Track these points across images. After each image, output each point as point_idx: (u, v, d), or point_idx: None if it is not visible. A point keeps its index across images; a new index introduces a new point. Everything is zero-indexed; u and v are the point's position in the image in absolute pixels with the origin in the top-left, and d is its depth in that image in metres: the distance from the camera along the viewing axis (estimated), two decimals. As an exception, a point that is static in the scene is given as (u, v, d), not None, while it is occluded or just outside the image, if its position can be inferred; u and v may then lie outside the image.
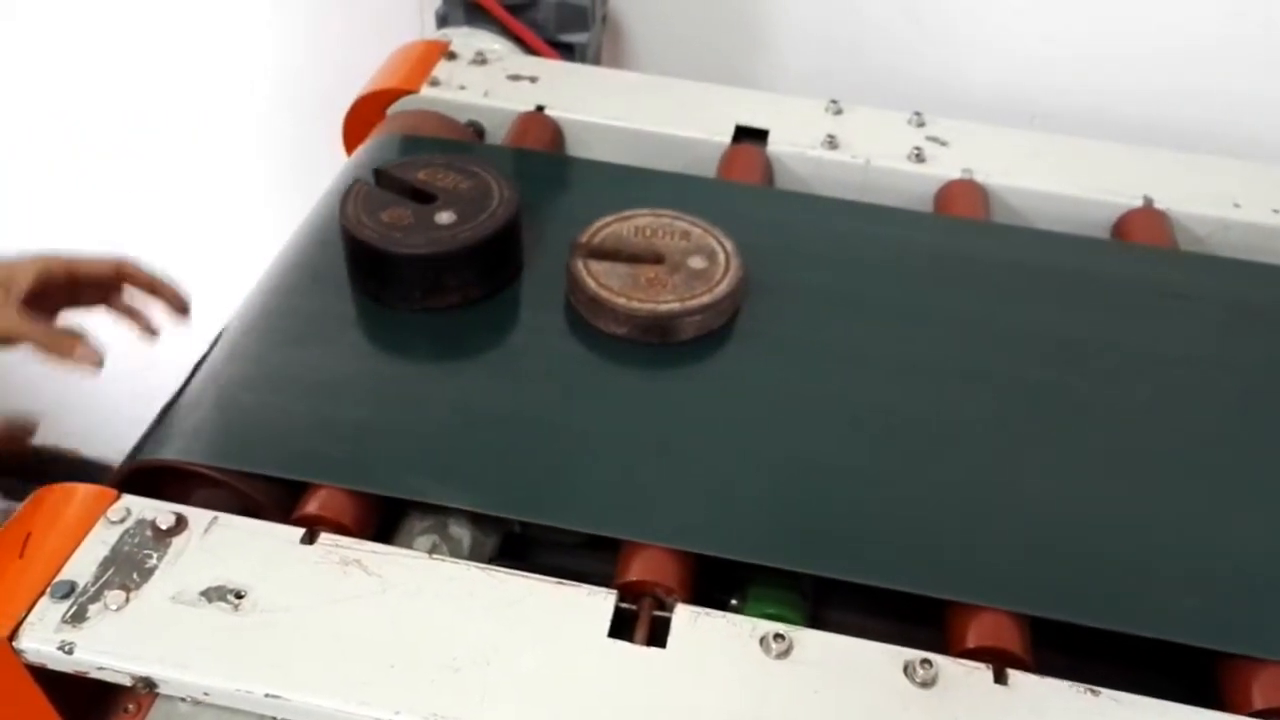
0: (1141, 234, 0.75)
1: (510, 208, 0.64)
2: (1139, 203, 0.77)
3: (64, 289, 0.67)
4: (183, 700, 0.50)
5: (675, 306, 0.62)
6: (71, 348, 0.63)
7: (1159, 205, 0.77)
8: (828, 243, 0.72)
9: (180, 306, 0.71)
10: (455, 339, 0.63)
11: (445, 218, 0.63)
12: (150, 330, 0.72)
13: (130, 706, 0.53)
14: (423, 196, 0.65)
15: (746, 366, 0.62)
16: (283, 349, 0.62)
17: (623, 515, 0.53)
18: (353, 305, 0.65)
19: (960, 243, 0.72)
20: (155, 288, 0.70)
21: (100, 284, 0.69)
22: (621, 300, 0.62)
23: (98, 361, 0.63)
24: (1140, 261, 0.72)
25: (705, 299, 0.62)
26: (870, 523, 0.54)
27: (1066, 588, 0.52)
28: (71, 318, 0.68)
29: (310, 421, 0.57)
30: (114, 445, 1.88)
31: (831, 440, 0.58)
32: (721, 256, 0.65)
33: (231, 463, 0.54)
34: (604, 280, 0.63)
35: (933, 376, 0.62)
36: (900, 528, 0.54)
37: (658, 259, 0.65)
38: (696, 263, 0.64)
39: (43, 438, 1.81)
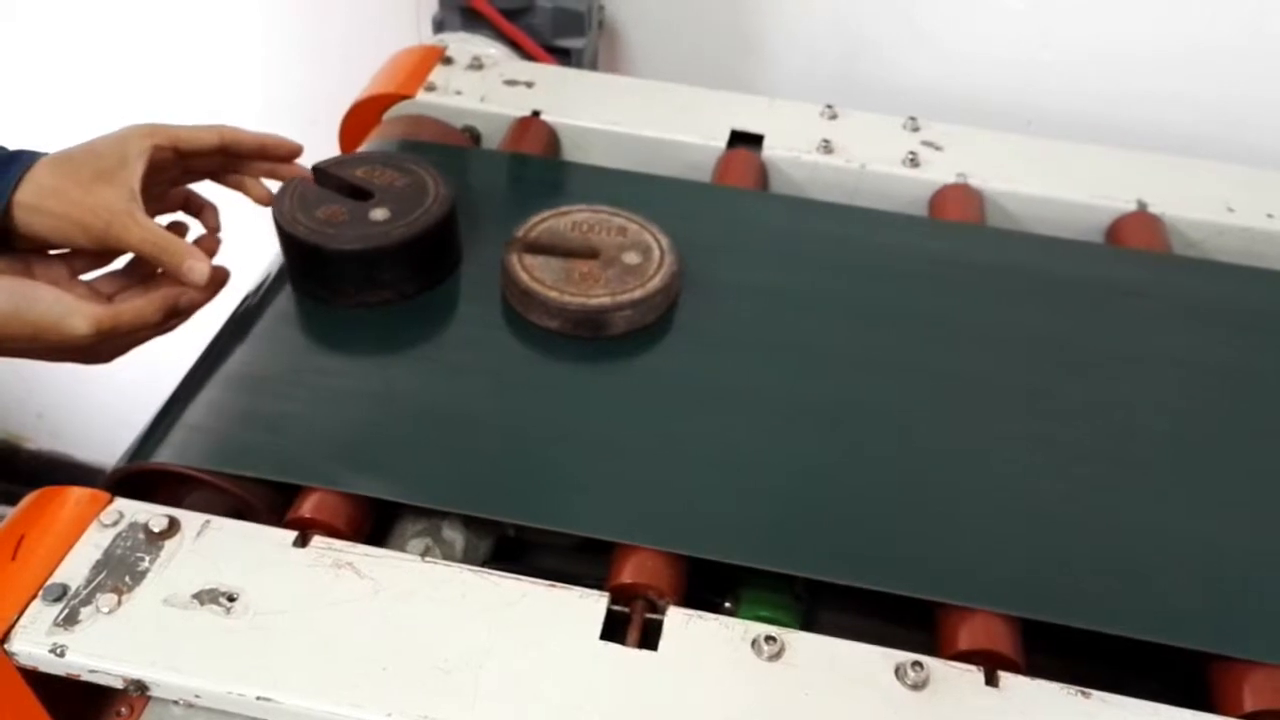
0: (1135, 238, 0.75)
1: (444, 205, 0.65)
2: (1133, 207, 0.77)
3: (171, 170, 0.64)
4: (175, 703, 0.50)
5: (606, 301, 0.62)
6: (185, 257, 0.59)
7: (1153, 210, 0.77)
8: (773, 240, 0.72)
9: (292, 153, 0.67)
10: (393, 333, 0.63)
11: (379, 214, 0.63)
12: (265, 199, 0.68)
13: (123, 710, 0.53)
14: (359, 194, 0.65)
15: (677, 361, 0.62)
16: (276, 352, 0.62)
17: (549, 507, 0.54)
18: (329, 307, 0.65)
19: (913, 240, 0.73)
20: (263, 148, 0.66)
21: (205, 157, 0.65)
22: (554, 294, 0.62)
23: (205, 276, 0.59)
24: (1134, 266, 0.72)
25: (637, 294, 0.63)
26: (860, 524, 0.54)
27: (1057, 590, 0.52)
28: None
29: (301, 424, 0.57)
30: (106, 449, 1.90)
31: (766, 436, 0.58)
32: (656, 252, 0.65)
33: (224, 466, 0.54)
34: (537, 274, 0.63)
35: (891, 374, 0.63)
36: (889, 529, 0.54)
37: (593, 254, 0.65)
38: (631, 258, 0.65)
39: (36, 441, 1.82)
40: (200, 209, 0.68)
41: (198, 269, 0.59)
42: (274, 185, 0.68)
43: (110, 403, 1.63)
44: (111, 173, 0.58)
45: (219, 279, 0.63)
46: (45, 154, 0.60)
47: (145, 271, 0.64)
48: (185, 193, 0.68)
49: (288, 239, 0.63)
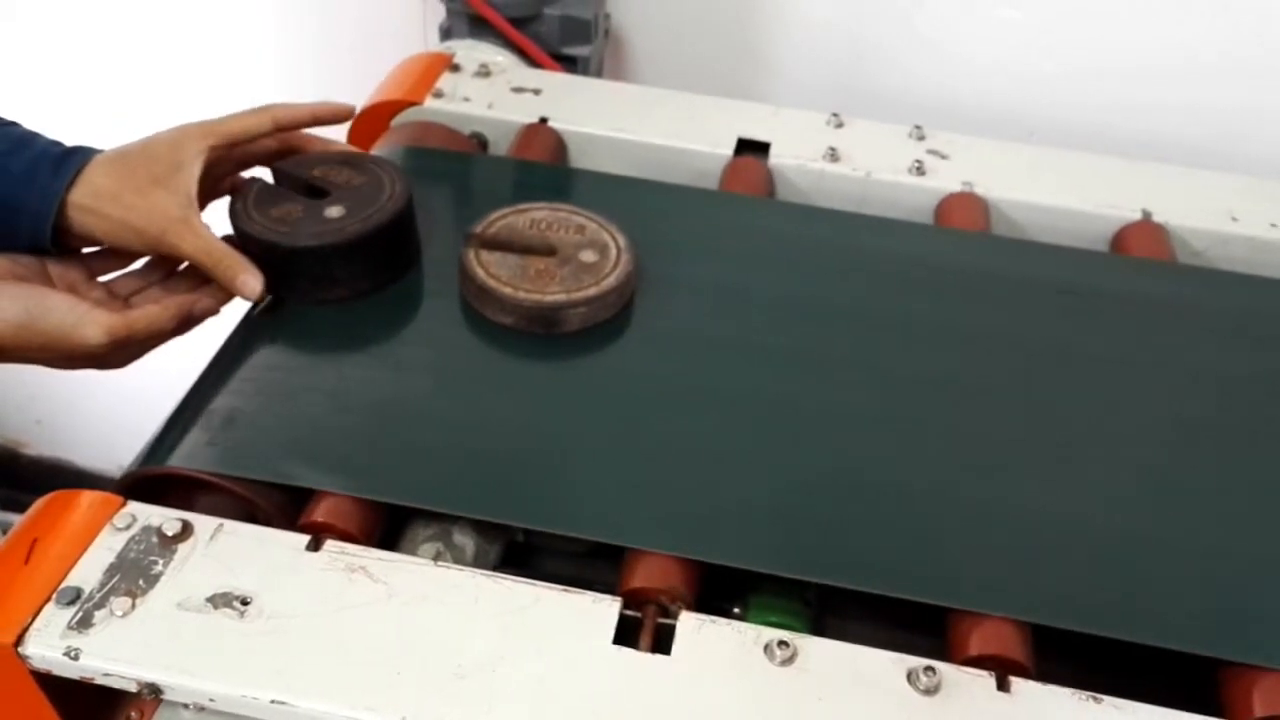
0: (1139, 247, 0.76)
1: (400, 202, 0.65)
2: (1137, 216, 0.77)
3: (227, 165, 0.64)
4: (185, 707, 0.50)
5: (561, 298, 0.62)
6: (239, 271, 0.59)
7: (1157, 219, 0.77)
8: (738, 241, 0.72)
9: (345, 115, 0.67)
10: (400, 335, 0.64)
11: (334, 211, 0.63)
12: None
13: (133, 714, 0.53)
14: (316, 192, 0.65)
15: (630, 359, 0.63)
16: (290, 357, 0.62)
17: (558, 511, 0.54)
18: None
19: (883, 241, 0.73)
20: (316, 117, 0.66)
21: (260, 151, 0.66)
22: (508, 290, 0.63)
23: (257, 291, 0.59)
24: (1138, 274, 0.73)
25: (591, 291, 0.63)
26: (869, 530, 0.54)
27: (1068, 595, 0.52)
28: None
29: (313, 428, 0.57)
30: (106, 455, 1.90)
31: (750, 438, 0.59)
32: (613, 251, 0.66)
33: (236, 470, 0.54)
34: (493, 270, 0.64)
35: (879, 378, 0.63)
36: (897, 535, 0.54)
37: (550, 252, 0.65)
38: (588, 256, 0.65)
39: (36, 447, 1.81)
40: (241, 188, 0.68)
41: (250, 284, 0.60)
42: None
43: (110, 409, 1.63)
44: (168, 177, 0.58)
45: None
46: (99, 151, 0.60)
47: (165, 272, 0.64)
48: (235, 180, 0.67)
49: (243, 237, 0.63)
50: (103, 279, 0.63)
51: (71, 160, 0.59)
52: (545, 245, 0.66)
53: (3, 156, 0.58)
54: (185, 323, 0.61)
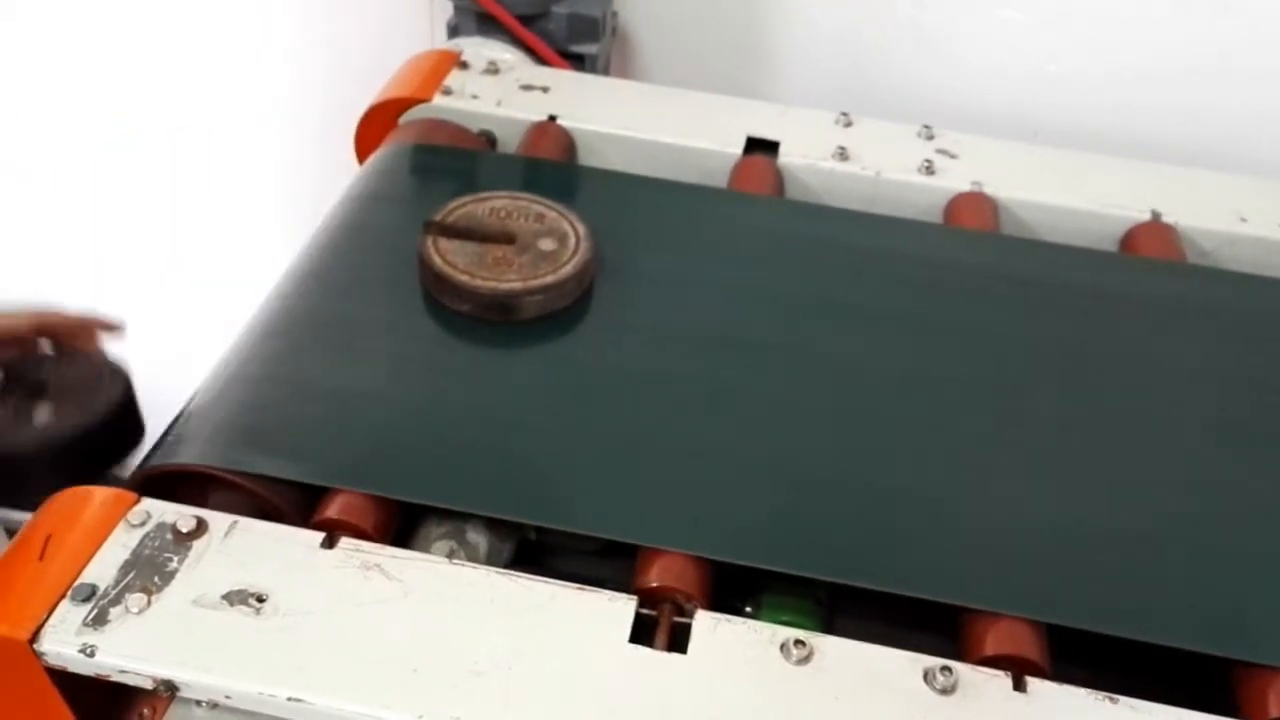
0: (1148, 247, 0.76)
1: (108, 403, 0.62)
2: (1146, 217, 0.77)
3: None
4: (198, 704, 0.50)
5: (518, 285, 0.63)
6: None
7: (1166, 219, 0.77)
8: (702, 231, 0.72)
9: (113, 329, 0.67)
10: (414, 337, 0.63)
11: (41, 415, 0.61)
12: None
13: (145, 711, 0.53)
14: (37, 388, 0.62)
15: (587, 347, 0.63)
16: (302, 354, 0.62)
17: (505, 496, 0.54)
18: (370, 310, 0.65)
19: (891, 242, 0.73)
20: (80, 331, 0.65)
21: (17, 341, 0.64)
22: (465, 278, 0.63)
23: None
24: (1147, 275, 0.73)
25: (549, 279, 0.63)
26: (881, 529, 0.54)
27: (1083, 595, 0.52)
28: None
29: (326, 425, 0.57)
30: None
31: (744, 433, 0.59)
32: (572, 240, 0.66)
33: (250, 467, 0.54)
34: (451, 258, 0.64)
35: (871, 379, 0.63)
36: (911, 534, 0.54)
37: (509, 240, 0.65)
38: (546, 244, 0.65)
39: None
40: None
41: None
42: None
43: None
44: None
45: None
46: None
47: None
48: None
49: None
50: None
51: None
52: (504, 233, 0.66)
53: None
54: None
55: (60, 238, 1.38)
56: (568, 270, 0.64)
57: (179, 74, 1.21)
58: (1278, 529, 0.56)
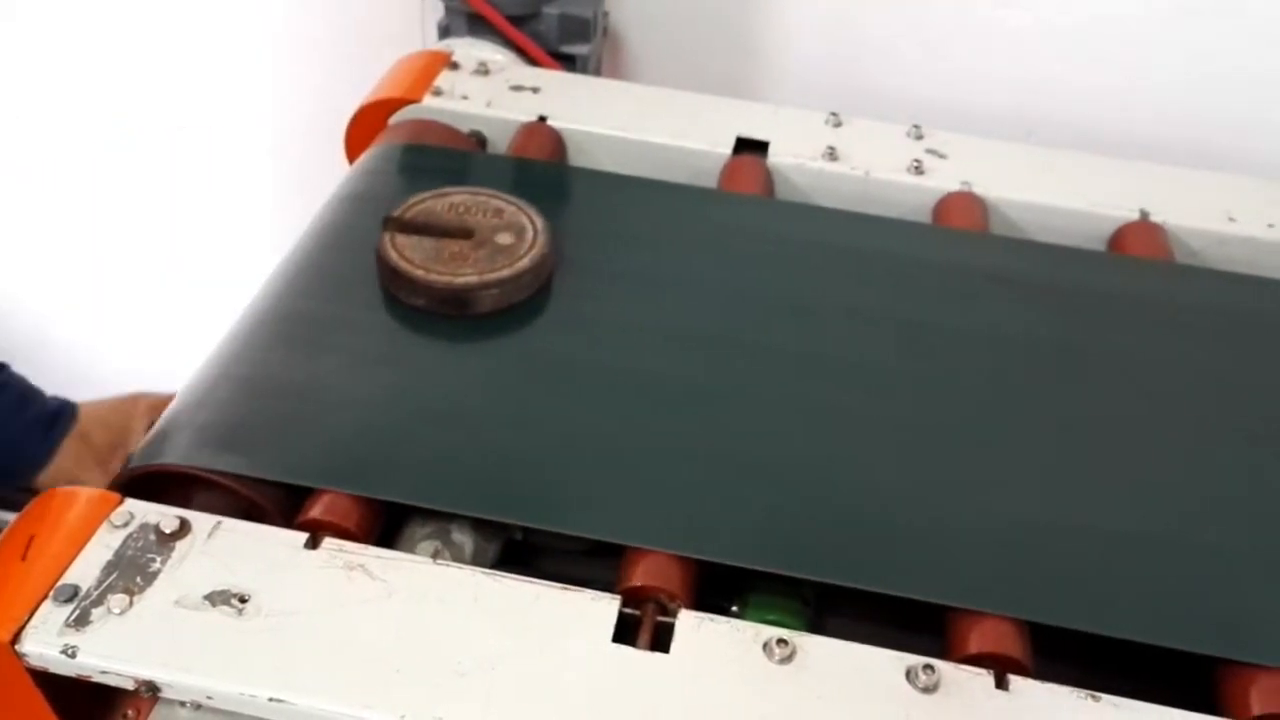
0: (1137, 247, 0.76)
1: None
2: (1135, 216, 0.77)
3: None
4: (182, 705, 0.50)
5: (473, 279, 0.63)
6: None
7: (1155, 219, 0.77)
8: (677, 230, 0.72)
9: None
10: (413, 337, 0.63)
11: None
12: None
13: (129, 712, 0.53)
14: None
15: (543, 340, 0.63)
16: (286, 354, 0.62)
17: (554, 510, 0.54)
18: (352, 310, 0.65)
19: (876, 242, 0.74)
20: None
21: None
22: (420, 273, 0.63)
23: None
24: (1136, 274, 0.73)
25: (504, 273, 0.63)
26: (865, 528, 0.54)
27: (1066, 594, 0.52)
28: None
29: (310, 426, 0.57)
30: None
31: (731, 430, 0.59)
32: (530, 234, 0.66)
33: (234, 467, 0.54)
34: (407, 254, 0.64)
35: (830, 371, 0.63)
36: (896, 533, 0.54)
37: (467, 234, 0.66)
38: (504, 239, 0.65)
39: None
40: None
41: None
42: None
43: (107, 406, 1.62)
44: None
45: None
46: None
47: None
48: None
49: None
50: None
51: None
52: (462, 228, 0.66)
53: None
54: None
55: (60, 238, 1.38)
56: (524, 264, 0.64)
57: (178, 74, 1.21)
58: (1263, 528, 0.56)
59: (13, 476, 0.62)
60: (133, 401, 0.64)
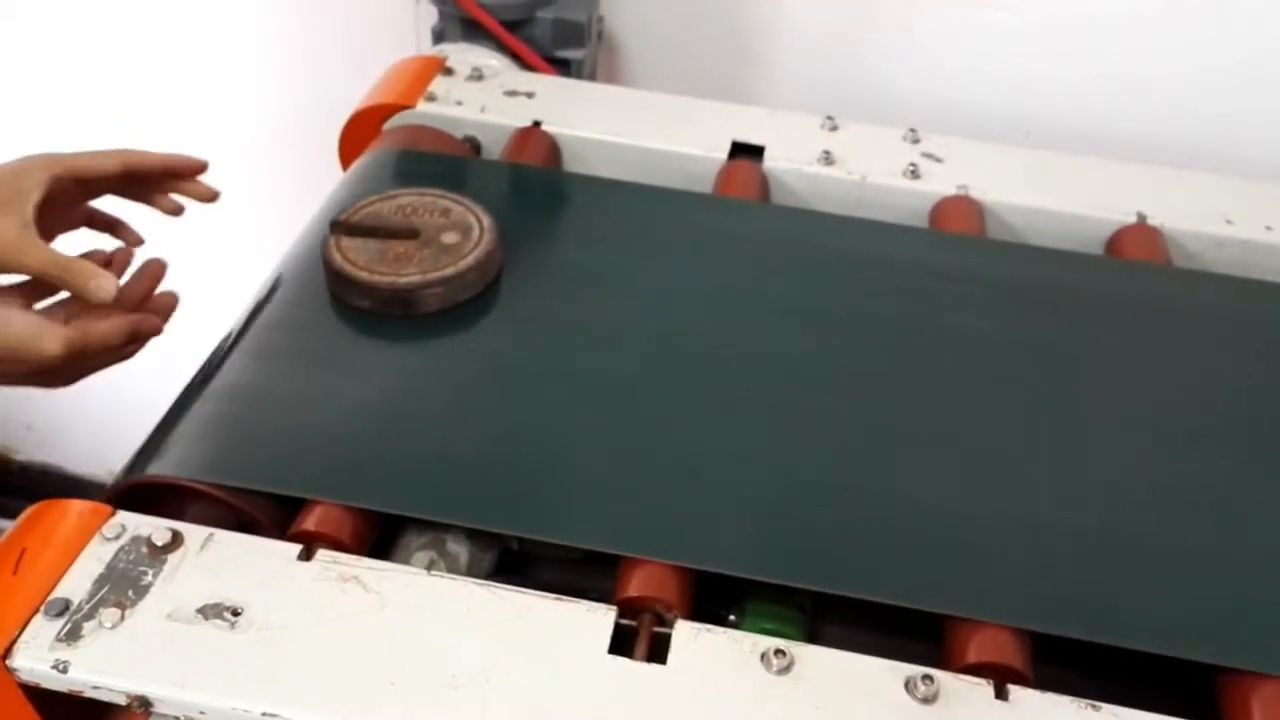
0: (1135, 250, 0.76)
1: None
2: (1132, 219, 0.77)
3: (73, 195, 0.64)
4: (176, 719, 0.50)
5: (416, 279, 0.62)
6: (89, 277, 0.59)
7: (1152, 222, 0.77)
8: (646, 231, 0.73)
9: (198, 169, 0.68)
10: (396, 343, 0.63)
11: None
12: (175, 210, 0.70)
13: (122, 726, 0.52)
14: None
15: (489, 340, 0.63)
16: (276, 364, 0.61)
17: (549, 518, 0.54)
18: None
19: (802, 234, 0.74)
20: (169, 168, 0.66)
21: (107, 184, 0.66)
22: (364, 274, 0.63)
23: (112, 293, 0.59)
24: (1133, 277, 0.72)
25: (448, 271, 0.63)
26: (864, 537, 0.54)
27: (1065, 602, 0.52)
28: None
29: (303, 436, 0.57)
30: (97, 460, 1.88)
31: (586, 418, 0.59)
32: (476, 232, 0.66)
33: (227, 479, 0.54)
34: (352, 256, 0.64)
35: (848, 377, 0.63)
36: (894, 542, 0.54)
37: (413, 235, 0.65)
38: (449, 238, 0.65)
39: (25, 453, 1.80)
40: (111, 226, 0.69)
41: (103, 286, 0.59)
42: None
43: (100, 414, 1.62)
44: (6, 203, 0.59)
45: (168, 305, 0.65)
46: None
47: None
48: (89, 211, 0.68)
49: None
50: (39, 306, 0.63)
51: None
52: (408, 229, 0.66)
53: None
54: (133, 341, 0.63)
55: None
56: (468, 262, 0.64)
57: (175, 77, 1.21)
58: (1263, 535, 0.56)
59: None
60: (25, 161, 0.60)
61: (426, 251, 0.64)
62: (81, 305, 0.63)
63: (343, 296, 0.64)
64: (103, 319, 0.61)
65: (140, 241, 0.70)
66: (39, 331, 0.57)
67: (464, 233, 0.65)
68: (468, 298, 0.64)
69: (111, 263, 0.66)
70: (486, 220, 0.67)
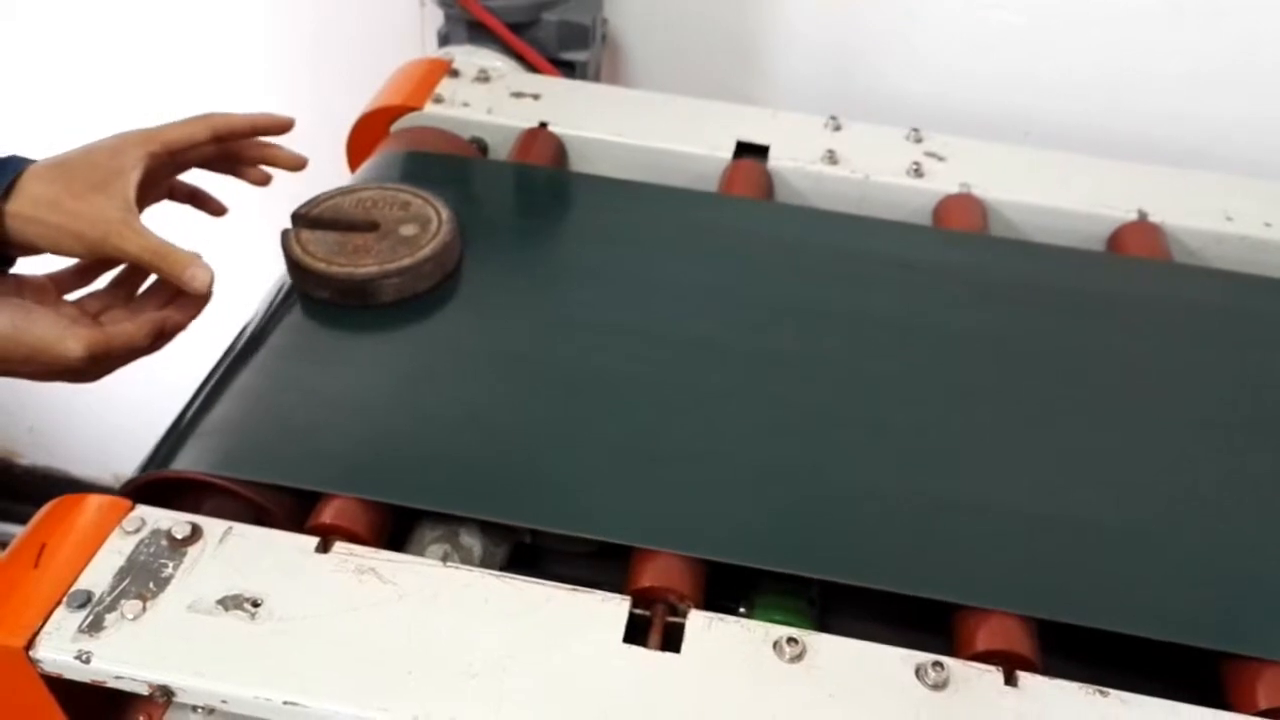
0: (1136, 247, 0.77)
1: None
2: (1134, 216, 0.78)
3: (165, 171, 0.65)
4: (194, 710, 0.51)
5: (373, 270, 0.64)
6: (185, 265, 0.60)
7: (1153, 219, 0.78)
8: (650, 229, 0.73)
9: (284, 126, 0.69)
10: (413, 337, 0.64)
11: None
12: (263, 180, 0.71)
13: (141, 718, 0.53)
14: None
15: (496, 335, 0.64)
16: (290, 361, 0.62)
17: (497, 499, 0.55)
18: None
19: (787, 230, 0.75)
20: (255, 127, 0.67)
21: (197, 158, 0.67)
22: (322, 265, 0.64)
23: (207, 284, 0.60)
24: (1135, 274, 0.73)
25: (405, 262, 0.64)
26: (873, 527, 0.55)
27: (1073, 591, 0.52)
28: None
29: (320, 431, 0.57)
30: (100, 463, 1.88)
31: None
32: (434, 224, 0.67)
33: (244, 473, 0.54)
34: (311, 248, 0.65)
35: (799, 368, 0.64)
36: (903, 532, 0.55)
37: (372, 227, 0.67)
38: (407, 230, 0.66)
39: (29, 457, 1.80)
40: (191, 196, 0.70)
41: (199, 275, 0.60)
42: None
43: (103, 417, 1.62)
44: (107, 183, 0.59)
45: (199, 299, 0.64)
46: (33, 161, 0.60)
47: (129, 290, 0.66)
48: (173, 183, 0.69)
49: None
50: (70, 297, 0.64)
51: (5, 170, 0.59)
52: (367, 222, 0.67)
53: None
54: (158, 338, 0.63)
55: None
56: (425, 253, 0.65)
57: (184, 79, 1.21)
58: (1266, 523, 0.57)
59: None
60: (119, 139, 0.61)
61: (384, 243, 0.65)
62: (113, 299, 0.64)
63: (302, 287, 0.65)
64: (129, 318, 0.62)
65: (223, 210, 0.71)
66: (62, 333, 0.58)
67: (422, 225, 0.67)
68: (425, 289, 0.65)
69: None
70: (445, 213, 0.68)
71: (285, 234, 0.66)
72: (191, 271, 0.60)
